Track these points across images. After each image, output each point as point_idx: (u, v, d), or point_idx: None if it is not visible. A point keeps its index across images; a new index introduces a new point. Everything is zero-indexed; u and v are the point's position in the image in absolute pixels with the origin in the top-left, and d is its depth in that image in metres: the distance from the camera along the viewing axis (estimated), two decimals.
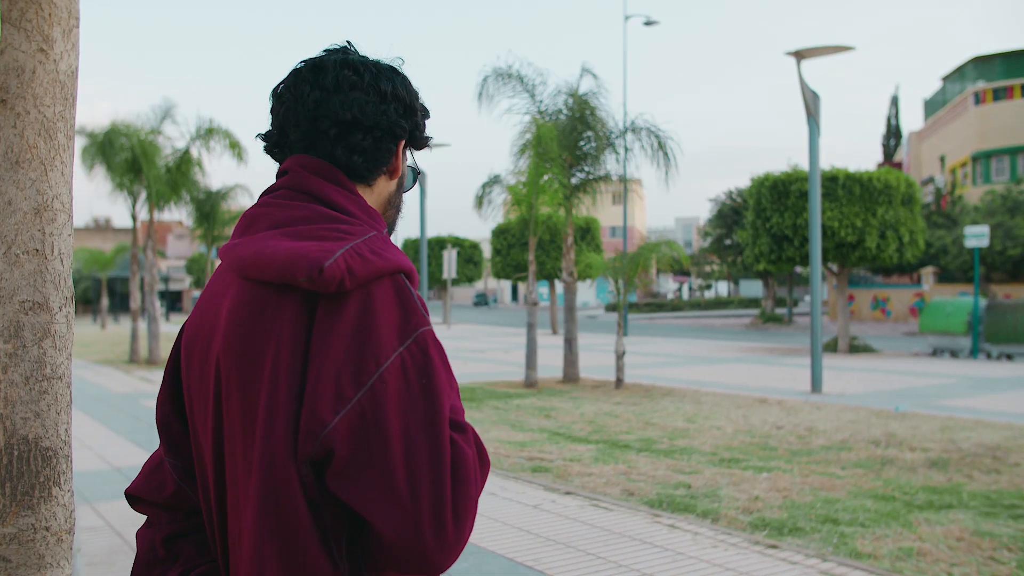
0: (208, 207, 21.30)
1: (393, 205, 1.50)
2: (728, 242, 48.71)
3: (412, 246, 47.64)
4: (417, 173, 1.58)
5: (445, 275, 35.60)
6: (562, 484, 7.32)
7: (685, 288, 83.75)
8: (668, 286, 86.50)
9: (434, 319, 47.03)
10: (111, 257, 38.27)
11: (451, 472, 1.19)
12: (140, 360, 21.35)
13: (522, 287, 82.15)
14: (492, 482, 7.39)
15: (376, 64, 1.43)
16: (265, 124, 1.49)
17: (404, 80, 1.45)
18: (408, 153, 1.50)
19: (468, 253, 51.54)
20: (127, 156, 17.73)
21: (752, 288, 76.20)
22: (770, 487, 7.09)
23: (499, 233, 39.18)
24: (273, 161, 1.46)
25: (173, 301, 71.59)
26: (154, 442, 9.17)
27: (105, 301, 37.56)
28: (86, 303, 58.03)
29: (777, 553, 5.34)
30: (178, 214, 21.72)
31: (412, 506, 1.16)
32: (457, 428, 1.25)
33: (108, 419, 11.60)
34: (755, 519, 6.12)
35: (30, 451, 1.63)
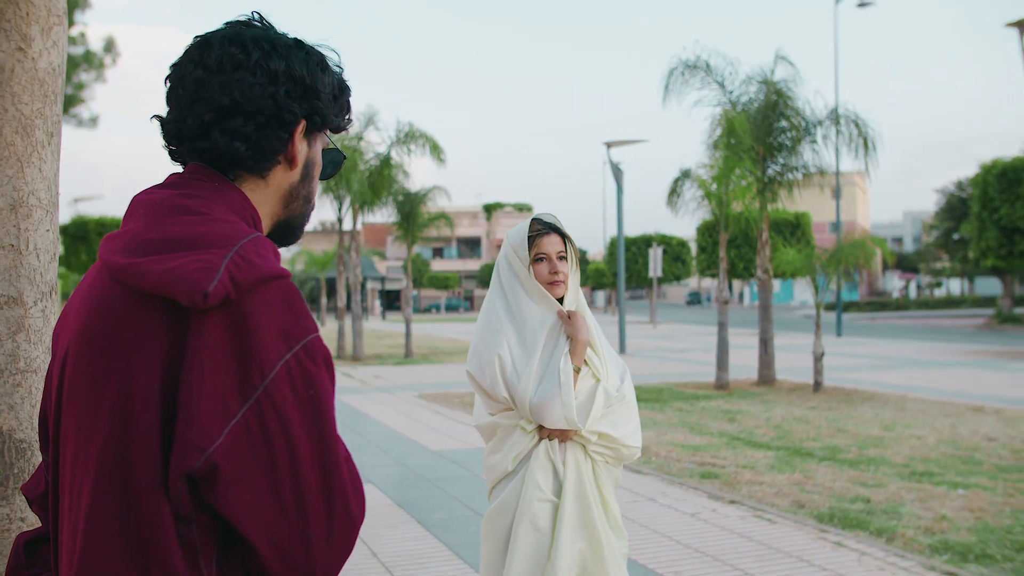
0: (407, 208, 22.07)
1: (299, 197, 1.35)
2: (956, 236, 45.04)
3: (613, 244, 47.44)
4: (343, 157, 1.44)
5: (651, 274, 35.01)
6: (728, 492, 6.94)
7: (912, 286, 78.30)
8: (894, 284, 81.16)
9: (639, 319, 46.62)
10: (328, 259, 40.36)
11: (339, 488, 1.14)
12: (346, 356, 22.46)
13: (736, 285, 79.73)
14: (652, 487, 7.12)
15: (272, 40, 1.27)
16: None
17: (306, 57, 1.29)
18: (321, 137, 1.37)
19: (675, 251, 50.71)
20: None
21: (988, 286, 70.01)
22: (963, 506, 6.38)
23: (704, 230, 38.24)
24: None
25: (391, 300, 75.05)
26: None
27: (324, 300, 39.71)
28: (311, 302, 62.19)
29: None
30: (392, 216, 22.55)
31: (299, 522, 1.11)
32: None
33: None
34: (937, 541, 5.51)
35: (4, 443, 1.64)
